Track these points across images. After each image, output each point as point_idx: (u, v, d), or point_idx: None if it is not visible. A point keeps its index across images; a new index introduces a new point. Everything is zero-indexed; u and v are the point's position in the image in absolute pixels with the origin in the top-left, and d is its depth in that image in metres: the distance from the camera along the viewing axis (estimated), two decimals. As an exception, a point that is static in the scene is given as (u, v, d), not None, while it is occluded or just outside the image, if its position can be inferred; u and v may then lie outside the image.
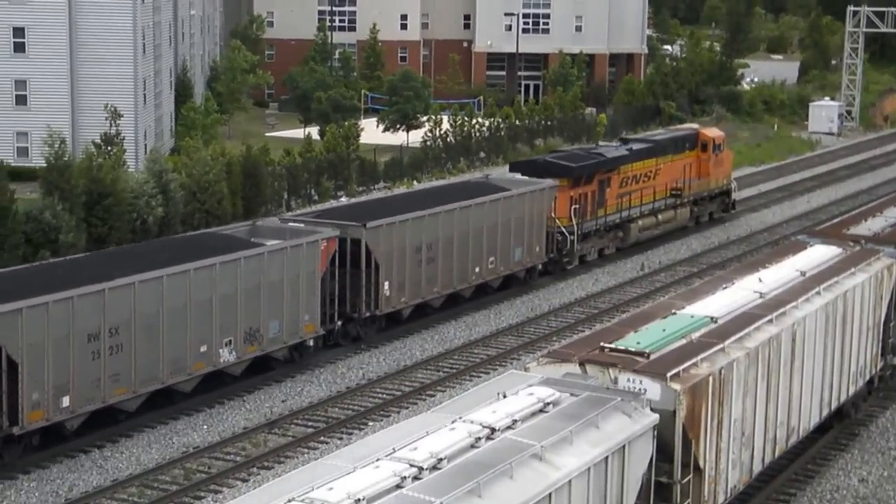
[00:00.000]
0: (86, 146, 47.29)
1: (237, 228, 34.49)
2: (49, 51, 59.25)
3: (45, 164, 40.72)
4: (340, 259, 33.76)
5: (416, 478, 16.14)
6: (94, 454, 27.07)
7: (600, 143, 52.98)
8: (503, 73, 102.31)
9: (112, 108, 49.97)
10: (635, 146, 49.10)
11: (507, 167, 49.88)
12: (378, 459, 16.53)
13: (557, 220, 43.10)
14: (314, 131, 68.82)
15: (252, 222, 35.18)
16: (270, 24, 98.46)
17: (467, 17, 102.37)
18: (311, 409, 30.39)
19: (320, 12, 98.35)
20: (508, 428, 17.92)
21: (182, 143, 61.51)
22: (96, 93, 58.24)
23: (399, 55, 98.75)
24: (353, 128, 61.05)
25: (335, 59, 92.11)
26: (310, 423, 29.52)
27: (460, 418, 18.06)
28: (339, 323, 34.29)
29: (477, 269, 39.04)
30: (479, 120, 70.50)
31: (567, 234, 43.44)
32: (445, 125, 67.27)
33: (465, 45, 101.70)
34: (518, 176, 43.65)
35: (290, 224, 34.51)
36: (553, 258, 43.38)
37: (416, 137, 70.06)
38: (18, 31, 59.25)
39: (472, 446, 17.27)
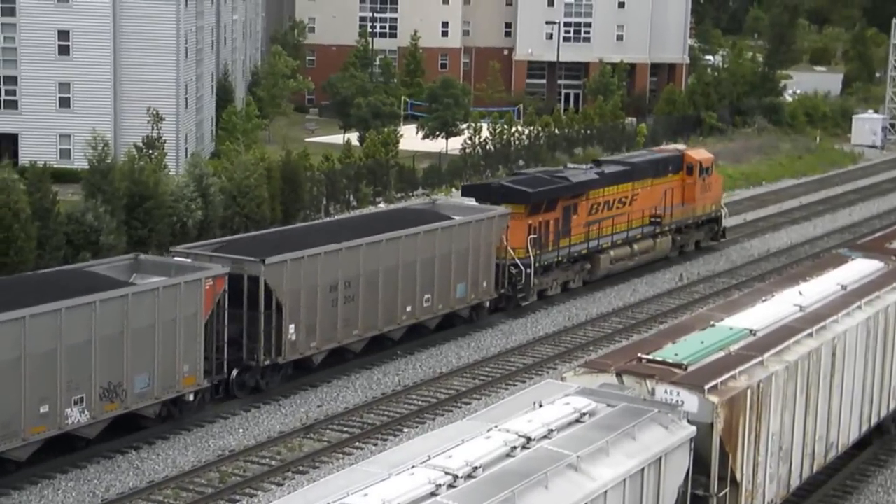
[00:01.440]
0: (128, 149, 47.64)
1: (116, 263, 30.08)
2: (93, 54, 59.81)
3: (87, 167, 41.04)
4: (236, 299, 29.76)
5: (450, 486, 16.09)
6: (130, 455, 27.22)
7: (569, 165, 47.83)
8: (543, 81, 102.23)
9: (154, 112, 50.37)
10: (608, 169, 44.69)
11: None
12: (413, 466, 16.49)
13: (512, 252, 38.74)
14: (354, 137, 68.98)
15: (135, 256, 30.77)
16: (312, 29, 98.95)
17: (508, 25, 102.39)
18: (346, 415, 30.40)
19: (362, 19, 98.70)
20: (544, 437, 17.85)
21: (222, 147, 61.92)
22: (139, 96, 58.75)
23: (439, 62, 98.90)
24: (392, 134, 61.15)
25: (376, 65, 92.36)
26: (345, 429, 29.52)
27: (496, 427, 18.01)
28: (234, 372, 30.26)
29: (408, 309, 34.72)
30: (519, 128, 70.45)
31: (522, 266, 38.99)
32: (485, 133, 67.27)
33: (505, 52, 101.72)
34: (469, 202, 40.06)
35: (176, 259, 30.36)
36: (506, 294, 39.00)
37: (455, 145, 70.08)
38: (63, 35, 59.85)
39: (508, 455, 17.21)
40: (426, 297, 35.41)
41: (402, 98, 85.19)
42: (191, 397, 28.79)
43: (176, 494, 25.34)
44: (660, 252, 47.03)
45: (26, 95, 60.05)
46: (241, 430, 29.09)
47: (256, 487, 25.92)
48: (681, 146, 53.79)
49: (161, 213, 41.44)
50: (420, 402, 31.66)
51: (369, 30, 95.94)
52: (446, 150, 70.26)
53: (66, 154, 58.83)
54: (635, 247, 45.32)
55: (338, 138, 72.71)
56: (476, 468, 16.54)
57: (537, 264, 39.75)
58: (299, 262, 31.07)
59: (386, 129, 63.15)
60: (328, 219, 38.54)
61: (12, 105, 60.19)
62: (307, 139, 76.10)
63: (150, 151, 47.27)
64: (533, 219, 39.68)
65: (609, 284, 44.37)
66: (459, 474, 16.28)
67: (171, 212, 42.10)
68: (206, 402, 29.51)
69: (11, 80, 60.08)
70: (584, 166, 45.87)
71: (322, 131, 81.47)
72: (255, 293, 30.12)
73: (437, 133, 73.49)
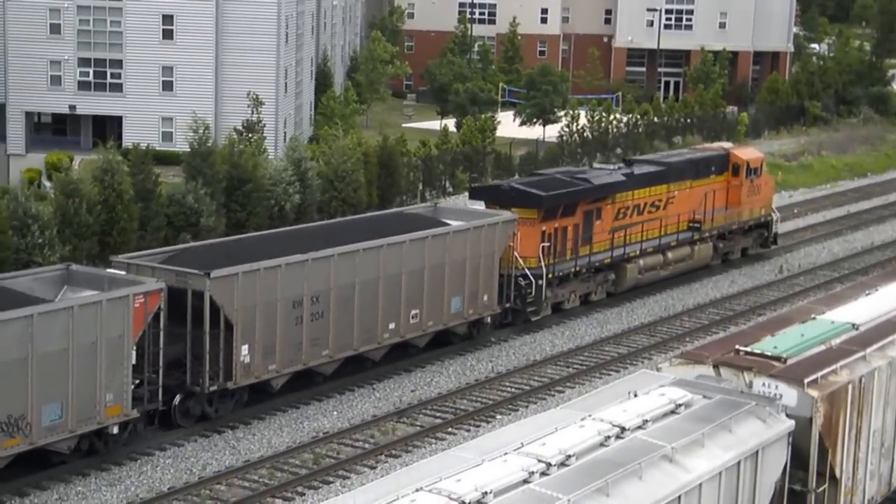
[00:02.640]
0: (228, 132, 48.28)
1: (44, 275, 26.97)
2: (196, 39, 60.69)
3: (188, 149, 41.63)
4: (178, 317, 26.85)
5: (543, 473, 16.03)
6: (227, 435, 27.60)
7: (595, 165, 42.98)
8: (643, 69, 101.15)
9: (254, 96, 50.94)
10: (639, 170, 40.79)
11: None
12: (506, 453, 16.46)
13: (521, 261, 35.24)
14: (451, 123, 68.99)
15: (66, 266, 27.49)
16: (411, 15, 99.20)
17: (608, 12, 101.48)
18: (439, 400, 30.46)
19: (461, 4, 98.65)
20: (639, 428, 17.70)
21: (320, 131, 62.36)
22: (239, 80, 59.47)
23: (538, 49, 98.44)
24: (489, 121, 61.00)
25: (474, 51, 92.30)
26: (438, 414, 29.59)
27: (590, 416, 17.90)
28: (177, 399, 27.22)
29: (391, 326, 31.29)
30: (617, 116, 69.83)
31: (533, 277, 35.45)
32: (583, 120, 66.82)
33: (605, 40, 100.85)
34: (474, 205, 37.31)
35: (109, 272, 27.29)
36: (513, 307, 35.58)
37: (552, 132, 69.75)
38: (168, 19, 60.83)
39: (602, 445, 17.10)
40: (413, 312, 31.85)
41: (500, 85, 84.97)
42: (115, 430, 25.45)
43: (271, 474, 25.61)
44: (699, 260, 43.10)
45: (131, 79, 61.18)
46: (335, 413, 29.32)
47: (350, 469, 26.11)
48: (727, 144, 49.24)
49: (259, 197, 41.88)
50: (513, 389, 31.61)
51: (468, 16, 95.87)
52: (543, 138, 69.96)
53: (167, 137, 59.85)
54: (669, 255, 41.51)
55: (435, 124, 72.82)
56: (569, 456, 16.47)
57: (551, 275, 36.24)
58: (254, 275, 27.66)
59: (483, 116, 63.02)
60: (309, 224, 34.82)
61: (117, 88, 61.38)
62: (404, 125, 76.31)
63: (250, 135, 47.81)
64: (547, 225, 36.16)
65: (707, 275, 43.78)
66: (553, 462, 16.23)
67: (269, 195, 42.51)
68: (139, 434, 26.27)
69: (117, 63, 61.24)
70: (611, 166, 41.96)
71: (419, 117, 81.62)
72: (200, 310, 26.82)
73: (535, 120, 73.19)
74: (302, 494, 24.84)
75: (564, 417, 18.06)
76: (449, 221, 34.23)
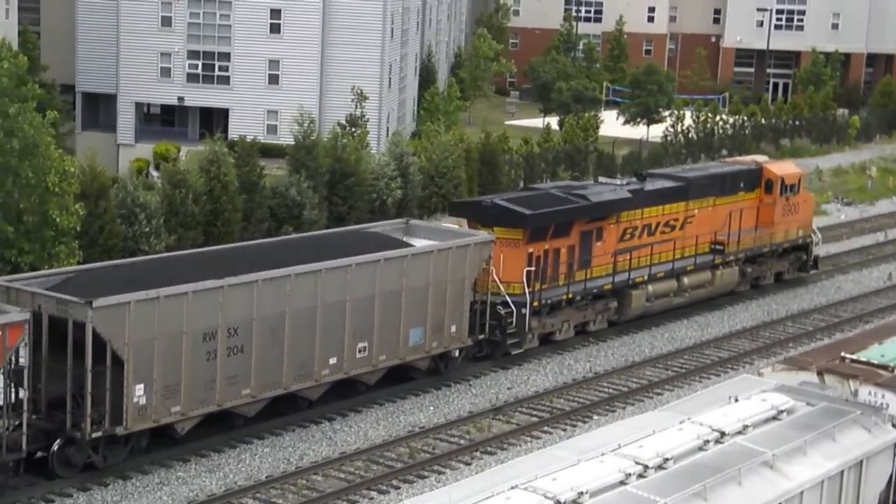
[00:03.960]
0: (332, 126, 48.69)
1: None
2: (303, 33, 61.32)
3: (292, 142, 42.08)
4: (58, 350, 23.53)
5: (640, 476, 15.89)
6: (324, 426, 27.78)
7: (601, 179, 38.74)
8: (751, 69, 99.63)
9: (358, 91, 51.30)
10: (652, 185, 36.93)
11: None
12: (603, 454, 16.34)
13: (501, 286, 31.69)
14: (553, 121, 68.78)
15: None
16: (516, 12, 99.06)
17: (717, 12, 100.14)
18: (536, 398, 30.31)
19: (567, 2, 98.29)
20: (739, 433, 17.42)
21: (423, 127, 62.59)
22: (344, 75, 59.96)
23: (644, 48, 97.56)
24: (592, 119, 60.69)
25: (579, 49, 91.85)
26: (534, 412, 29.45)
27: (689, 419, 17.67)
28: (56, 446, 23.68)
29: (333, 361, 27.63)
30: (723, 117, 68.92)
31: (514, 305, 31.85)
32: (688, 121, 66.07)
33: (713, 39, 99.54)
34: (449, 225, 33.83)
35: None
36: (491, 339, 31.85)
37: (656, 132, 69.08)
38: (275, 13, 61.55)
39: (700, 449, 16.87)
40: (360, 345, 28.20)
41: (604, 83, 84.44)
42: None
43: (367, 467, 25.73)
44: (722, 286, 38.78)
45: (238, 71, 62.06)
46: (431, 408, 29.35)
47: (445, 465, 26.09)
48: (760, 158, 44.04)
49: (361, 191, 42.20)
50: (611, 390, 31.34)
51: (574, 14, 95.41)
52: (647, 137, 69.35)
53: (272, 130, 60.57)
54: (685, 280, 37.31)
55: (537, 122, 72.68)
56: (667, 459, 16.29)
57: (537, 302, 32.52)
58: (151, 304, 24.03)
59: (586, 114, 62.73)
60: (246, 243, 30.87)
61: (224, 80, 62.31)
62: (507, 122, 76.23)
63: (353, 129, 48.17)
64: (534, 246, 32.56)
65: (813, 280, 42.93)
66: (650, 464, 16.06)
67: (371, 189, 42.81)
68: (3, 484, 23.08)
69: (225, 56, 62.18)
70: (617, 181, 37.57)
71: (522, 114, 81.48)
72: (82, 343, 23.29)
73: (639, 119, 72.63)
74: (397, 488, 24.89)
75: (663, 420, 17.87)
76: (414, 242, 30.68)
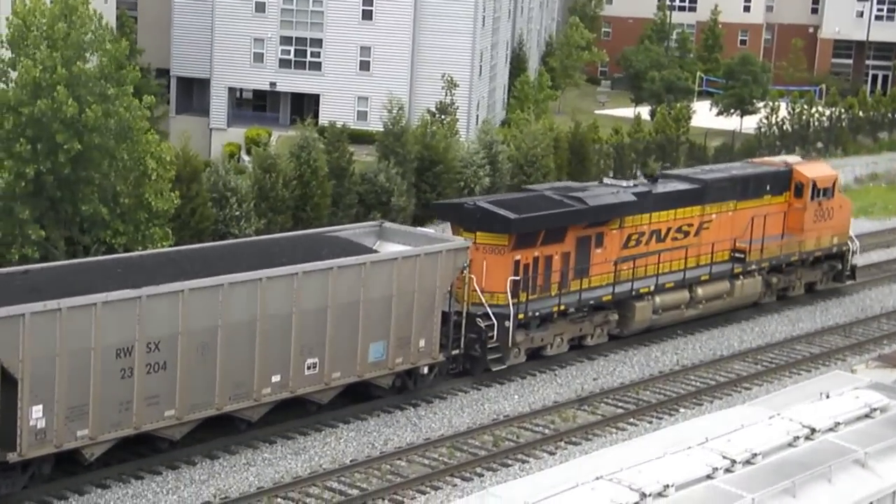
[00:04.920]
0: (421, 114, 48.73)
1: None
2: (394, 19, 61.41)
3: (382, 129, 42.21)
4: None
5: (727, 470, 15.63)
6: (409, 412, 27.87)
7: (606, 179, 35.88)
8: (849, 61, 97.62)
9: (449, 78, 51.26)
10: (663, 187, 34.31)
11: (844, 160, 43.33)
12: (689, 447, 16.09)
13: (482, 297, 29.10)
14: (644, 111, 68.13)
15: None
16: (609, 1, 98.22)
17: (815, 2, 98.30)
18: (622, 390, 30.10)
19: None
20: (830, 430, 17.07)
21: (512, 115, 62.40)
22: (434, 62, 59.93)
23: (739, 38, 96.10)
24: (685, 110, 59.95)
25: (672, 39, 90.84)
26: (620, 403, 29.26)
27: (778, 415, 17.36)
28: None
29: (276, 379, 25.23)
30: (820, 109, 67.65)
31: (495, 317, 29.05)
32: (783, 112, 64.99)
33: (810, 30, 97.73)
34: (425, 230, 30.89)
35: None
36: (471, 354, 29.24)
37: (750, 123, 68.08)
38: (368, 0, 61.72)
39: (790, 445, 16.56)
40: (310, 362, 25.74)
41: (698, 73, 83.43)
42: None
43: (451, 453, 25.76)
44: (743, 298, 35.93)
45: (329, 57, 62.37)
46: (515, 397, 29.30)
47: (529, 454, 26.04)
48: (792, 158, 40.44)
49: (449, 178, 42.18)
50: (698, 383, 31.01)
51: (668, 2, 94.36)
52: (740, 129, 68.38)
53: (362, 116, 60.80)
54: (699, 291, 34.48)
55: (628, 112, 72.02)
56: (755, 455, 16.03)
57: (524, 314, 29.83)
58: (51, 316, 21.49)
59: (678, 105, 62.01)
60: (182, 247, 28.30)
61: (316, 66, 62.68)
62: (597, 111, 75.66)
63: (443, 117, 48.14)
64: (522, 253, 29.98)
65: (908, 276, 42.01)
66: (738, 459, 15.81)
67: (460, 177, 42.77)
68: None
69: (317, 42, 62.53)
70: (623, 183, 34.32)
71: (613, 104, 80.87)
72: None
73: (732, 111, 71.66)
74: (480, 475, 24.88)
75: (751, 415, 17.60)
76: (387, 246, 28.39)
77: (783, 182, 37.06)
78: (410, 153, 41.03)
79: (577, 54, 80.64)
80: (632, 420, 28.27)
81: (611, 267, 32.16)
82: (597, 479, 14.94)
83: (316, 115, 59.18)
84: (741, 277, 35.64)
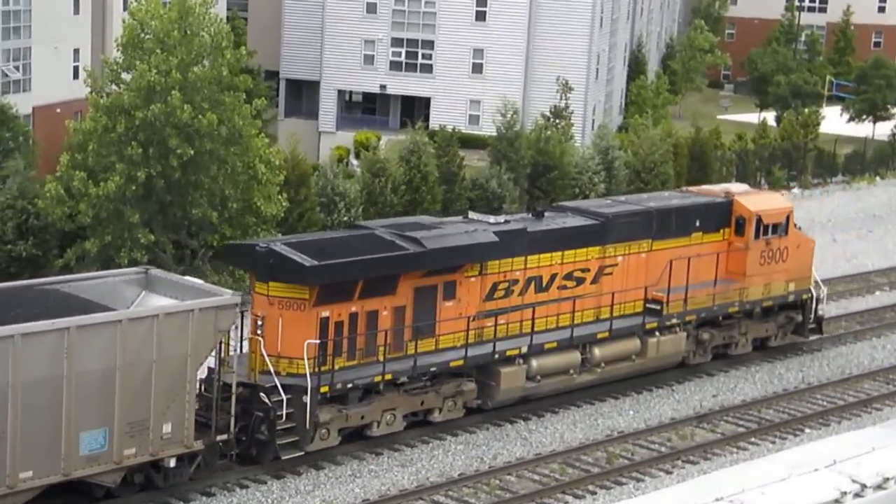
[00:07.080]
0: (536, 118, 47.99)
1: None
2: (508, 21, 60.70)
3: (494, 133, 41.63)
4: None
5: (857, 495, 15.00)
6: (519, 426, 27.21)
7: (472, 214, 29.16)
8: None
9: (564, 82, 50.43)
10: (548, 224, 28.27)
11: None
12: (816, 469, 15.46)
13: (270, 365, 23.83)
14: (770, 117, 66.55)
15: None
16: (734, 1, 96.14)
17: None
18: (743, 408, 29.03)
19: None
20: (973, 456, 15.81)
21: (630, 120, 61.23)
22: (549, 65, 59.03)
23: (873, 40, 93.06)
24: (813, 115, 58.42)
25: (801, 41, 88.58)
26: (741, 422, 28.23)
27: (915, 438, 16.19)
28: None
29: None
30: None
31: (283, 392, 23.58)
32: (919, 118, 62.78)
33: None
34: (194, 280, 24.46)
35: None
36: (256, 437, 23.81)
37: (883, 130, 65.89)
38: (481, 1, 61.12)
39: (927, 471, 15.42)
40: None
41: (827, 77, 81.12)
42: None
43: (562, 469, 25.11)
44: (659, 358, 29.73)
45: (441, 60, 61.94)
46: (631, 412, 28.50)
47: (644, 472, 25.27)
48: (737, 187, 33.54)
49: (564, 185, 41.47)
50: (825, 403, 29.77)
51: (797, 3, 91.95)
52: (872, 136, 66.30)
53: (474, 120, 60.22)
54: (596, 352, 28.48)
55: (752, 117, 70.46)
56: (887, 479, 15.25)
57: (330, 385, 24.26)
58: None
59: (806, 110, 60.46)
60: None
61: (427, 69, 62.28)
62: (719, 116, 74.28)
63: (557, 121, 47.34)
64: (332, 308, 24.46)
65: None
66: (868, 483, 15.09)
67: (574, 183, 42.01)
68: None
69: (428, 44, 62.14)
70: (491, 218, 27.93)
71: (736, 109, 79.21)
72: None
73: (864, 116, 69.58)
74: (593, 493, 24.16)
75: (883, 437, 16.92)
76: (150, 300, 23.20)
77: (719, 216, 30.88)
78: (524, 158, 40.41)
79: (700, 57, 79.16)
80: (753, 439, 27.25)
81: (465, 324, 26.27)
82: (717, 500, 14.44)
83: (426, 119, 58.64)
84: (657, 334, 29.51)
